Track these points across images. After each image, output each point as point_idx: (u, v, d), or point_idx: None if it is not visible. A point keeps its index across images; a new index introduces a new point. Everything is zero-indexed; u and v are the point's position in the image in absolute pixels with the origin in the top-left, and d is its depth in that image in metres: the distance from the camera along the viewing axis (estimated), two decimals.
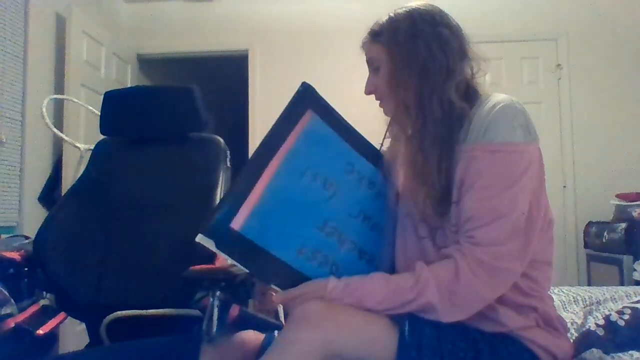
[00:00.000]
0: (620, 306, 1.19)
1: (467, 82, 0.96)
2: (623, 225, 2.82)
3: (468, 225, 0.86)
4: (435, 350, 0.84)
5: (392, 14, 0.99)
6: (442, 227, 0.93)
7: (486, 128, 0.87)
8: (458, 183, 0.89)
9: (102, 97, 1.66)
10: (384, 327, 0.85)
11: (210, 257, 1.12)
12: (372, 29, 1.01)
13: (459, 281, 0.83)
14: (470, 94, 0.95)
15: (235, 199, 0.84)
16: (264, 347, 1.03)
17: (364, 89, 1.06)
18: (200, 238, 0.81)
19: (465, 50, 0.96)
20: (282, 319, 1.51)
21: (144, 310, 1.32)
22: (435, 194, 0.90)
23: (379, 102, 1.04)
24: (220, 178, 1.53)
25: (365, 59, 1.04)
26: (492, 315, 0.90)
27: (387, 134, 1.09)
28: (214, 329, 0.94)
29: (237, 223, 0.83)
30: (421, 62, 0.93)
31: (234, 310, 1.00)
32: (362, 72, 1.08)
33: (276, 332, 1.08)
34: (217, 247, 0.82)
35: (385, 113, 1.05)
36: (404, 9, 0.99)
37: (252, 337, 1.06)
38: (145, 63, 3.97)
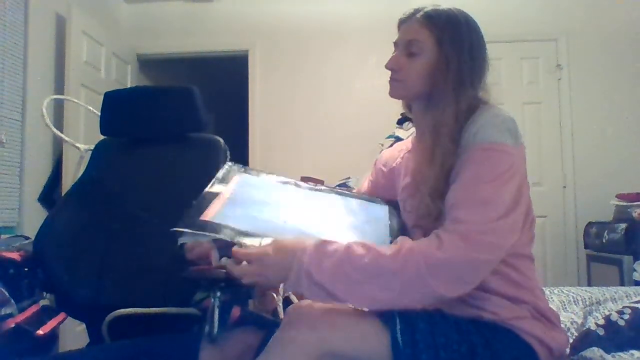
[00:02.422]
0: (621, 306, 1.20)
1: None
2: (623, 225, 2.82)
3: (453, 209, 0.87)
4: (429, 345, 0.85)
5: (443, 7, 1.01)
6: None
7: (477, 131, 0.91)
8: (450, 182, 0.92)
9: (102, 97, 1.66)
10: (377, 326, 0.86)
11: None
12: (427, 12, 1.00)
13: (443, 251, 0.82)
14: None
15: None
16: (262, 344, 1.03)
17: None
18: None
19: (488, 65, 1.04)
20: (282, 317, 1.51)
21: (146, 309, 1.32)
22: (435, 191, 0.92)
23: (393, 81, 1.04)
24: None
25: (399, 38, 1.04)
26: (483, 305, 0.92)
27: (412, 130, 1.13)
28: (215, 330, 0.94)
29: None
30: (471, 60, 0.99)
31: (235, 311, 1.01)
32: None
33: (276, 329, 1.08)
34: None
35: (397, 94, 1.05)
36: (451, 7, 1.02)
37: (251, 334, 1.07)
38: (145, 63, 3.97)
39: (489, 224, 0.84)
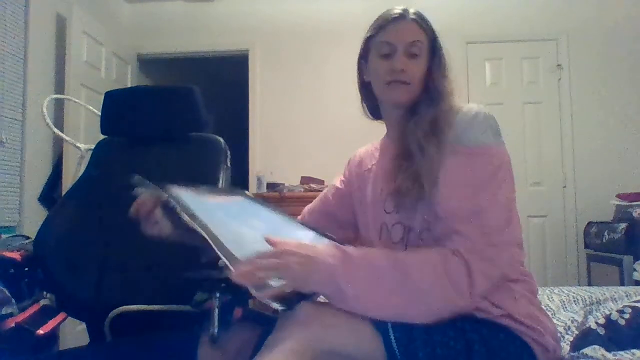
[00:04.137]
0: (621, 305, 1.20)
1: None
2: (623, 225, 2.82)
3: (452, 222, 0.89)
4: (426, 342, 0.85)
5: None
6: (413, 228, 0.97)
7: (463, 130, 0.94)
8: (434, 179, 0.92)
9: (102, 97, 1.66)
10: (372, 324, 0.86)
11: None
12: (417, 12, 1.04)
13: (450, 262, 0.85)
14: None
15: None
16: (261, 341, 1.03)
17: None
18: None
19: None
20: None
21: (149, 305, 1.32)
22: (417, 186, 0.93)
23: (400, 84, 1.01)
24: (220, 178, 1.53)
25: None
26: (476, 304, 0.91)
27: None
28: (216, 330, 0.94)
29: None
30: (445, 66, 1.03)
31: (237, 312, 1.01)
32: None
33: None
34: None
35: (404, 98, 1.02)
36: None
37: (248, 331, 1.07)
38: (145, 63, 3.97)
39: (491, 235, 0.87)
